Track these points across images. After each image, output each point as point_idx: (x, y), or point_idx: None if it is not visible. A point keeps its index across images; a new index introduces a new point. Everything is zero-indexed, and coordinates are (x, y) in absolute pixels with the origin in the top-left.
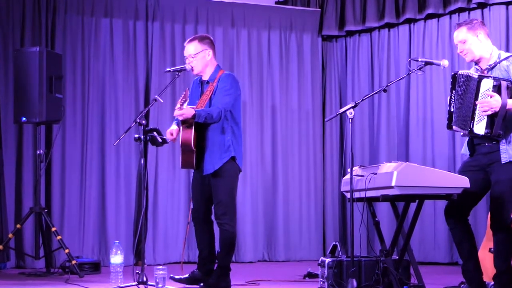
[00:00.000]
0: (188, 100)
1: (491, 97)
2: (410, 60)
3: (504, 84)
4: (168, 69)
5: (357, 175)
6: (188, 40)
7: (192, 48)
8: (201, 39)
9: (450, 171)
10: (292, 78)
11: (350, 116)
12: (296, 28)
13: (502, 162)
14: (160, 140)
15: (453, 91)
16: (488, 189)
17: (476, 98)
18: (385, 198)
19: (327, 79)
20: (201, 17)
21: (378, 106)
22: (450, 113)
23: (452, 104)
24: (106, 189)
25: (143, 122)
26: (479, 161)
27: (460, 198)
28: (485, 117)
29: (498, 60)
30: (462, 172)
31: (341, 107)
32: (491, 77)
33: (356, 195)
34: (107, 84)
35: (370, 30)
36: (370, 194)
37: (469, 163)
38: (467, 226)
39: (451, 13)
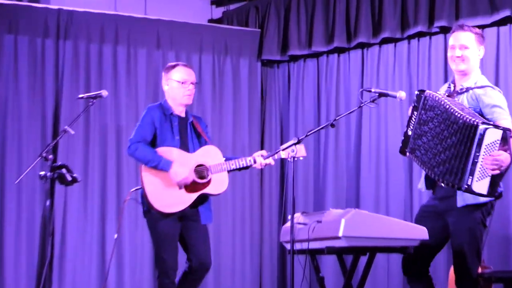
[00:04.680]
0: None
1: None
2: (362, 91)
3: (509, 134)
4: (81, 96)
5: (299, 223)
6: (188, 65)
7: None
8: None
9: (406, 218)
10: (226, 108)
11: (292, 154)
12: (232, 51)
13: (458, 206)
14: (69, 179)
15: (415, 112)
16: (448, 238)
17: (478, 150)
18: (330, 250)
19: (266, 110)
20: (122, 36)
21: (324, 142)
22: (406, 136)
23: (411, 127)
24: (4, 235)
25: (50, 156)
26: (436, 207)
27: (418, 251)
28: (490, 175)
29: (473, 86)
30: (419, 217)
31: (282, 143)
32: (500, 127)
33: (298, 246)
34: (10, 110)
35: (317, 54)
36: (313, 245)
37: (426, 208)
38: (428, 282)
39: (409, 37)
